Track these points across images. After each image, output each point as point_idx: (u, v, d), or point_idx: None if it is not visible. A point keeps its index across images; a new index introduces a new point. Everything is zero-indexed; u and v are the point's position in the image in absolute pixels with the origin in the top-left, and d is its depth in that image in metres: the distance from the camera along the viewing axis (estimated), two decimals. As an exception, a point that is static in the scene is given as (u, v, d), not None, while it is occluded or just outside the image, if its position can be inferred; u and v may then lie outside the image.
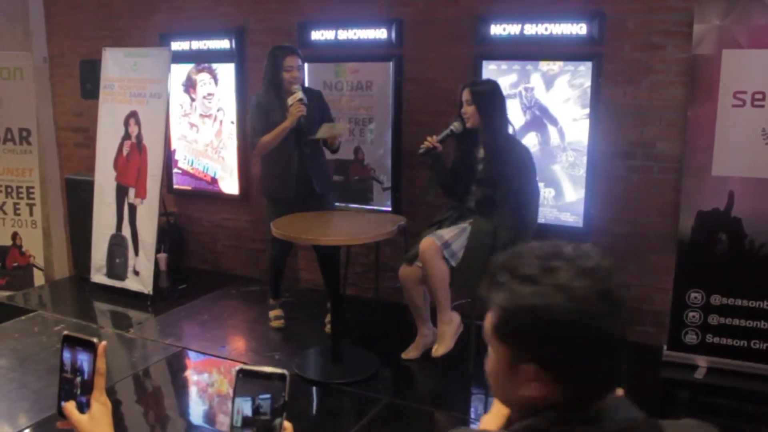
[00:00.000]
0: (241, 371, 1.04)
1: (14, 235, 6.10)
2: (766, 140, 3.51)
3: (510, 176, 3.60)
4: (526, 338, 0.97)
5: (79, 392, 1.20)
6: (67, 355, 1.20)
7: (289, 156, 4.05)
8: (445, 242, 3.58)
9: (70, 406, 1.19)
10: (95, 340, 1.19)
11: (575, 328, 0.94)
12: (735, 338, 3.73)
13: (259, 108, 4.08)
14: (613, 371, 0.99)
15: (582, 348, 0.95)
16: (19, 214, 6.08)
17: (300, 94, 3.96)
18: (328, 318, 4.31)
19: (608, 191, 4.16)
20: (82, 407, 1.19)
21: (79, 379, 1.20)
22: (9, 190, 6.05)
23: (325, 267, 4.15)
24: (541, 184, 4.23)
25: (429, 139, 3.73)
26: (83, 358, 1.19)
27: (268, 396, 1.02)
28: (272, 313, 4.52)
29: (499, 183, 3.64)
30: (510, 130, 3.76)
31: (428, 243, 3.61)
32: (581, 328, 0.94)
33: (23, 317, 4.79)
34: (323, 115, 4.17)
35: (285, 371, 1.02)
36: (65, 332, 1.22)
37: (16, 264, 6.12)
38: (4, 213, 6.08)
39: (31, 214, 6.10)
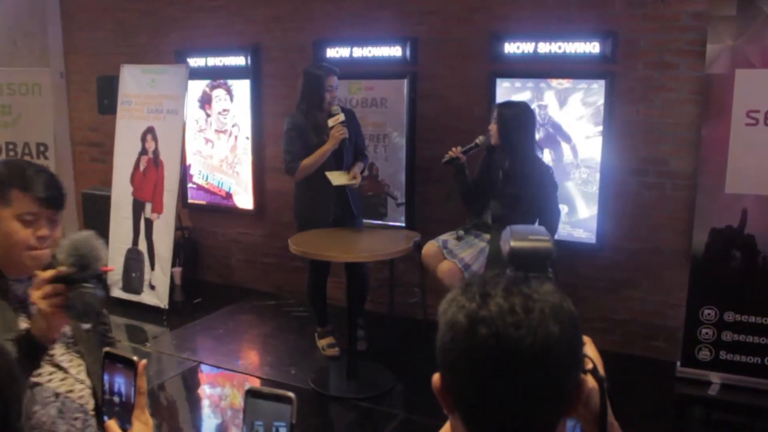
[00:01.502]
0: (249, 392, 1.05)
1: (30, 249, 6.15)
2: (780, 159, 3.54)
3: (529, 198, 3.65)
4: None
5: (120, 410, 1.23)
6: (107, 373, 1.23)
7: (328, 179, 3.95)
8: (465, 264, 3.61)
9: (112, 424, 1.22)
10: (135, 358, 1.21)
11: (448, 340, 0.89)
12: (749, 355, 3.74)
13: (296, 130, 3.99)
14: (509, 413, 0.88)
15: (455, 363, 0.89)
16: (34, 228, 6.14)
17: (342, 116, 3.91)
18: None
19: (621, 208, 4.19)
20: (125, 424, 1.22)
21: (118, 397, 1.23)
22: (25, 204, 6.11)
23: (354, 283, 4.04)
24: (554, 201, 4.28)
25: (453, 149, 3.80)
26: (123, 377, 1.22)
27: (274, 422, 1.03)
28: (323, 342, 4.31)
29: (515, 204, 3.68)
30: (537, 151, 3.81)
31: (449, 267, 3.62)
32: (453, 342, 0.89)
33: (40, 331, 4.83)
34: (357, 134, 4.15)
35: (292, 394, 1.02)
36: (106, 349, 1.25)
37: (31, 277, 6.17)
38: (21, 226, 6.14)
39: (46, 227, 6.15)
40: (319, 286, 4.24)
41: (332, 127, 3.91)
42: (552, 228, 3.72)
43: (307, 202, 4.12)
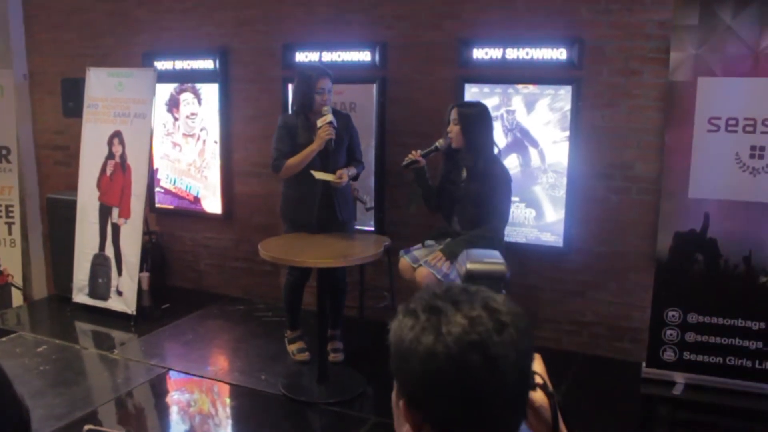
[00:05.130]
0: None
1: (-8, 254, 6.03)
2: (740, 164, 3.63)
3: (488, 196, 3.70)
4: (397, 370, 0.96)
5: None
6: None
7: (315, 180, 3.89)
8: (444, 274, 3.63)
9: None
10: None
11: (432, 370, 0.90)
12: (711, 355, 3.83)
13: (285, 129, 3.97)
14: (491, 427, 0.93)
15: (442, 391, 0.91)
16: (-3, 233, 6.02)
17: (330, 117, 3.86)
18: (330, 346, 4.19)
19: (588, 212, 4.26)
20: None
21: None
22: (-13, 208, 6.00)
23: (326, 289, 3.99)
24: (521, 205, 4.34)
25: (413, 152, 3.84)
26: None
27: None
28: (293, 347, 4.29)
29: (478, 203, 3.72)
30: (495, 151, 3.85)
31: (427, 272, 3.64)
32: (438, 372, 0.90)
33: (4, 338, 4.74)
34: (351, 139, 4.11)
35: None
36: (87, 427, 1.25)
37: (-7, 283, 6.05)
38: (-18, 231, 6.02)
39: (9, 232, 6.04)
40: (297, 290, 4.22)
41: (320, 128, 3.88)
42: (497, 228, 3.75)
43: (291, 202, 4.10)
